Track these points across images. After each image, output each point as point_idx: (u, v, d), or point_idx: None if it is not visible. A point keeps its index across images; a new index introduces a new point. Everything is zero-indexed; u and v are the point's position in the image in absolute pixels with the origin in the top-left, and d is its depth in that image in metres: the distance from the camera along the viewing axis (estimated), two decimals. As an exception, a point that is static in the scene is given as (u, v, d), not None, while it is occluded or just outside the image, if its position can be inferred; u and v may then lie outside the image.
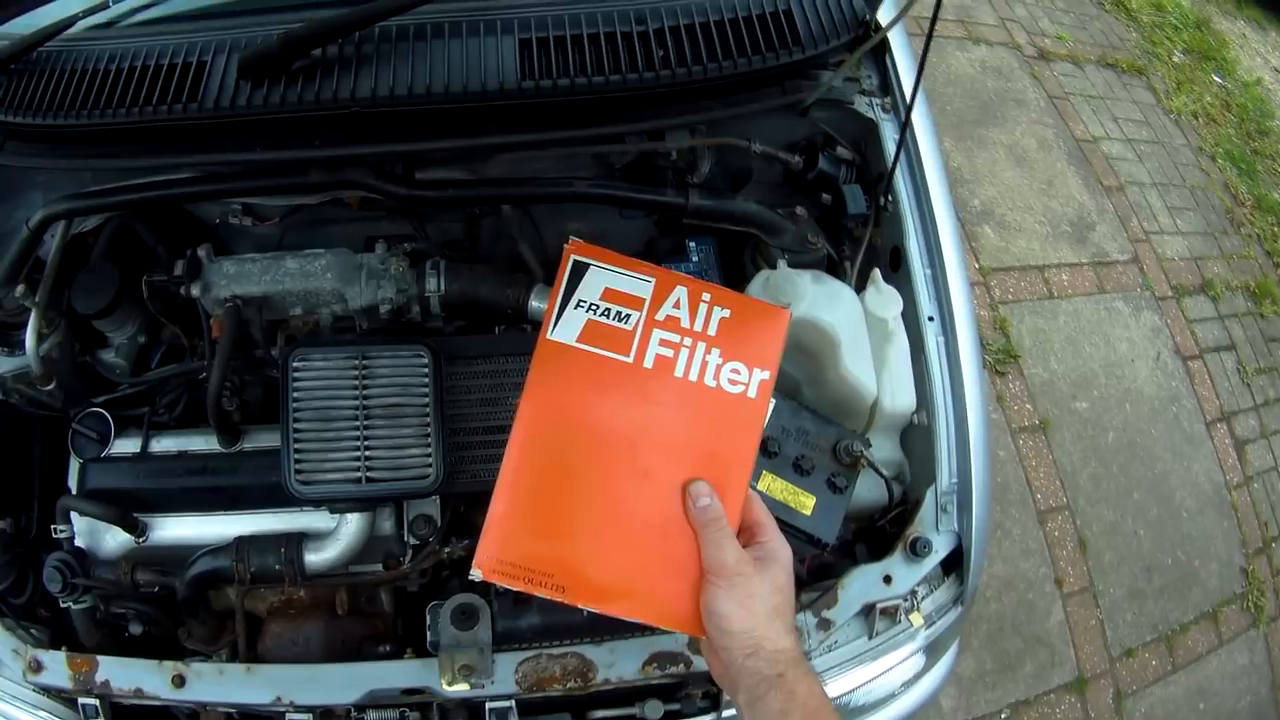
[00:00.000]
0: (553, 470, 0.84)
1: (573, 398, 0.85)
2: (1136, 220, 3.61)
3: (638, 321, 0.86)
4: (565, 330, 0.86)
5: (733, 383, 0.86)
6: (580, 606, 0.83)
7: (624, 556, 0.84)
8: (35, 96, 1.23)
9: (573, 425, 0.85)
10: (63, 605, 1.26)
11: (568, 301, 0.86)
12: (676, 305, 0.87)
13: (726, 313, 0.87)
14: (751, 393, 0.86)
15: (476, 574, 0.81)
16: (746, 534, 0.85)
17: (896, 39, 1.50)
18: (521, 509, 0.84)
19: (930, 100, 3.74)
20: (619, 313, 0.87)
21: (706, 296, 0.87)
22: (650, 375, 0.86)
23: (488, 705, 1.13)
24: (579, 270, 0.87)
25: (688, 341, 0.86)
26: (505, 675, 1.13)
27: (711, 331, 0.86)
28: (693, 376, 0.86)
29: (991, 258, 3.37)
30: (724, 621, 0.79)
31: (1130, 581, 2.83)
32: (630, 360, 0.86)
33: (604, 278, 0.87)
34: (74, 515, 1.26)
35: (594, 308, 0.86)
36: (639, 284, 0.88)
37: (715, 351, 0.86)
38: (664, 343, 0.86)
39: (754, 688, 0.76)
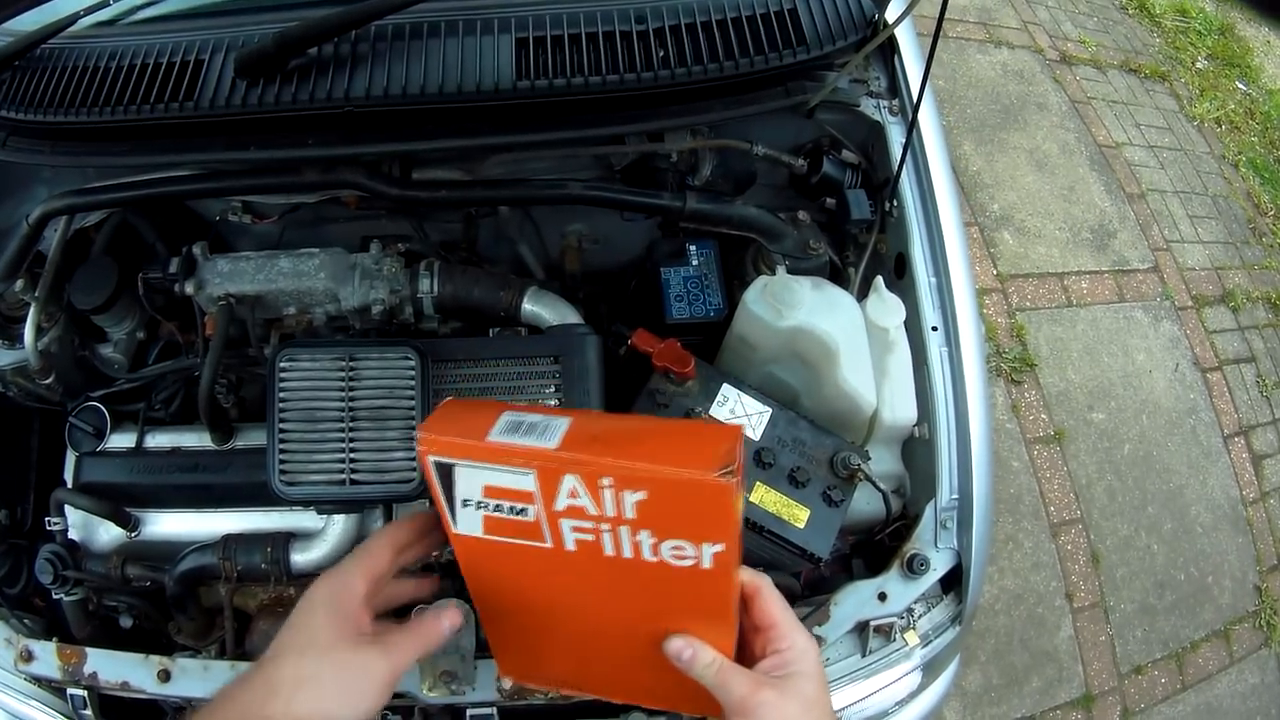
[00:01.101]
0: (533, 633, 0.83)
1: (511, 580, 0.78)
2: (1158, 228, 3.56)
3: (538, 513, 0.70)
4: (468, 525, 0.73)
5: (678, 558, 0.69)
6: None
7: (627, 669, 0.82)
8: (37, 93, 1.23)
9: (530, 606, 0.80)
10: (54, 597, 1.27)
11: (453, 502, 0.72)
12: (573, 495, 0.68)
13: (642, 494, 0.66)
14: (706, 564, 0.69)
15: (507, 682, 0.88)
16: (763, 640, 0.76)
17: (906, 40, 1.47)
18: (515, 651, 0.86)
19: (950, 103, 3.73)
20: (513, 507, 0.71)
21: (606, 482, 0.66)
22: (579, 558, 0.72)
23: (469, 712, 1.12)
24: (444, 471, 0.70)
25: (605, 526, 0.69)
26: (487, 683, 1.11)
27: (630, 515, 0.67)
28: (627, 554, 0.70)
29: (1010, 264, 3.33)
30: None
31: (1142, 597, 2.79)
32: (550, 546, 0.72)
33: (477, 476, 0.70)
34: (68, 508, 1.27)
35: (482, 505, 0.71)
36: (518, 478, 0.69)
37: (645, 532, 0.68)
38: (579, 529, 0.70)
39: None
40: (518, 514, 0.71)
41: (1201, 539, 2.91)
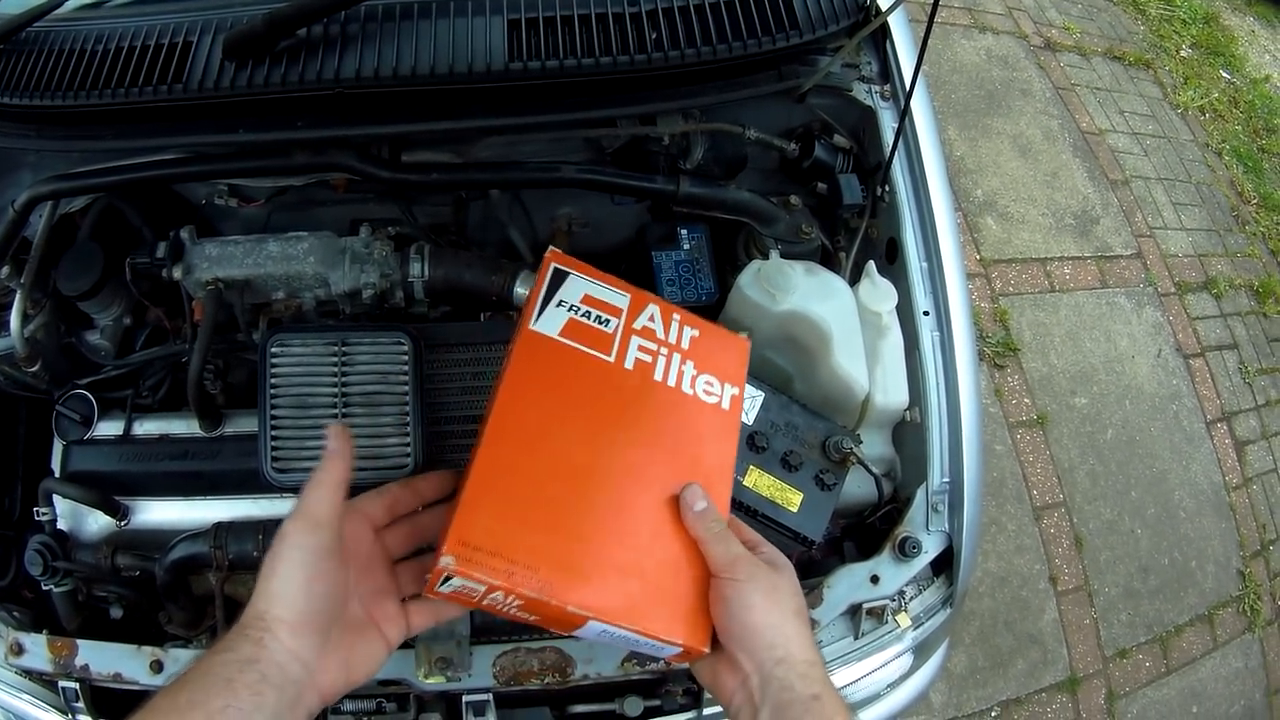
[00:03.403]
0: (533, 462, 0.78)
1: (555, 391, 0.83)
2: (1141, 215, 3.59)
3: (617, 326, 0.88)
4: (548, 323, 0.85)
5: (708, 393, 0.88)
6: (567, 609, 0.73)
7: (616, 555, 0.76)
8: (23, 77, 1.21)
9: (555, 418, 0.81)
10: (44, 588, 1.25)
11: (549, 300, 0.87)
12: (651, 319, 0.90)
13: (696, 332, 0.92)
14: (725, 405, 0.89)
15: (448, 561, 0.69)
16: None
17: (898, 25, 1.47)
18: (499, 495, 0.75)
19: (935, 88, 3.74)
20: (599, 316, 0.88)
21: (676, 317, 0.92)
22: (631, 376, 0.86)
23: (465, 698, 1.12)
24: (559, 276, 0.89)
25: (664, 351, 0.89)
26: (483, 669, 1.11)
27: (684, 345, 0.90)
28: (671, 382, 0.87)
29: (993, 249, 3.35)
30: (748, 615, 0.72)
31: (1126, 581, 2.82)
32: (612, 360, 0.86)
33: (583, 285, 0.89)
34: (56, 498, 1.25)
35: (575, 309, 0.87)
36: (616, 295, 0.90)
37: (690, 363, 0.89)
38: (643, 349, 0.88)
39: (785, 705, 0.68)
40: (600, 323, 0.88)
41: (1185, 524, 2.95)
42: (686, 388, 0.88)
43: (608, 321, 0.88)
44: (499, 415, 0.79)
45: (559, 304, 0.87)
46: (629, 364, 0.86)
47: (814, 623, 1.19)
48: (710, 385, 0.89)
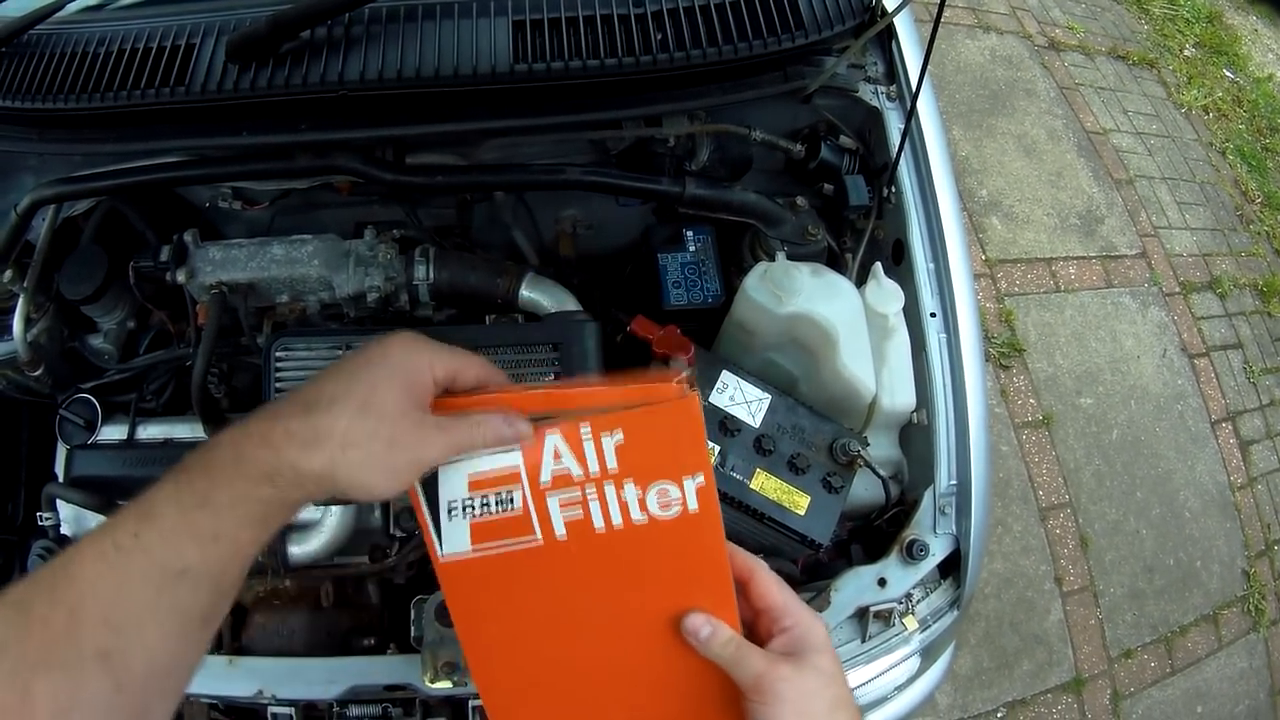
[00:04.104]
0: (528, 675, 0.76)
1: (504, 605, 0.74)
2: (1145, 214, 3.58)
3: (523, 495, 0.72)
4: (454, 541, 0.72)
5: (665, 507, 0.71)
6: None
7: (648, 711, 0.76)
8: (25, 80, 1.21)
9: (520, 629, 0.75)
10: (47, 593, 1.25)
11: (438, 514, 0.72)
12: (557, 457, 0.71)
13: (619, 435, 0.70)
14: (692, 506, 0.71)
15: None
16: (767, 621, 0.74)
17: (904, 25, 1.46)
18: (512, 700, 0.76)
19: (939, 89, 3.74)
20: (498, 498, 0.72)
21: (586, 430, 0.71)
22: (569, 546, 0.72)
23: (471, 703, 1.12)
24: (429, 486, 0.72)
25: (591, 491, 0.71)
26: (490, 673, 1.10)
27: (612, 466, 0.71)
28: (617, 522, 0.72)
29: (998, 249, 3.34)
30: None
31: (1131, 581, 2.81)
32: (540, 540, 0.72)
33: (460, 472, 0.72)
34: (59, 503, 1.24)
35: (468, 507, 0.72)
36: (504, 458, 0.72)
37: (629, 484, 0.71)
38: (565, 504, 0.72)
39: None
40: (505, 506, 0.71)
41: (1190, 524, 2.94)
42: (638, 515, 0.71)
43: (511, 498, 0.72)
44: (470, 653, 0.76)
45: (450, 512, 0.72)
46: (560, 533, 0.72)
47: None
48: (665, 494, 0.71)
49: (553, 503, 0.71)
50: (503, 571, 0.72)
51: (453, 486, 0.72)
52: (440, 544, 0.72)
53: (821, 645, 0.71)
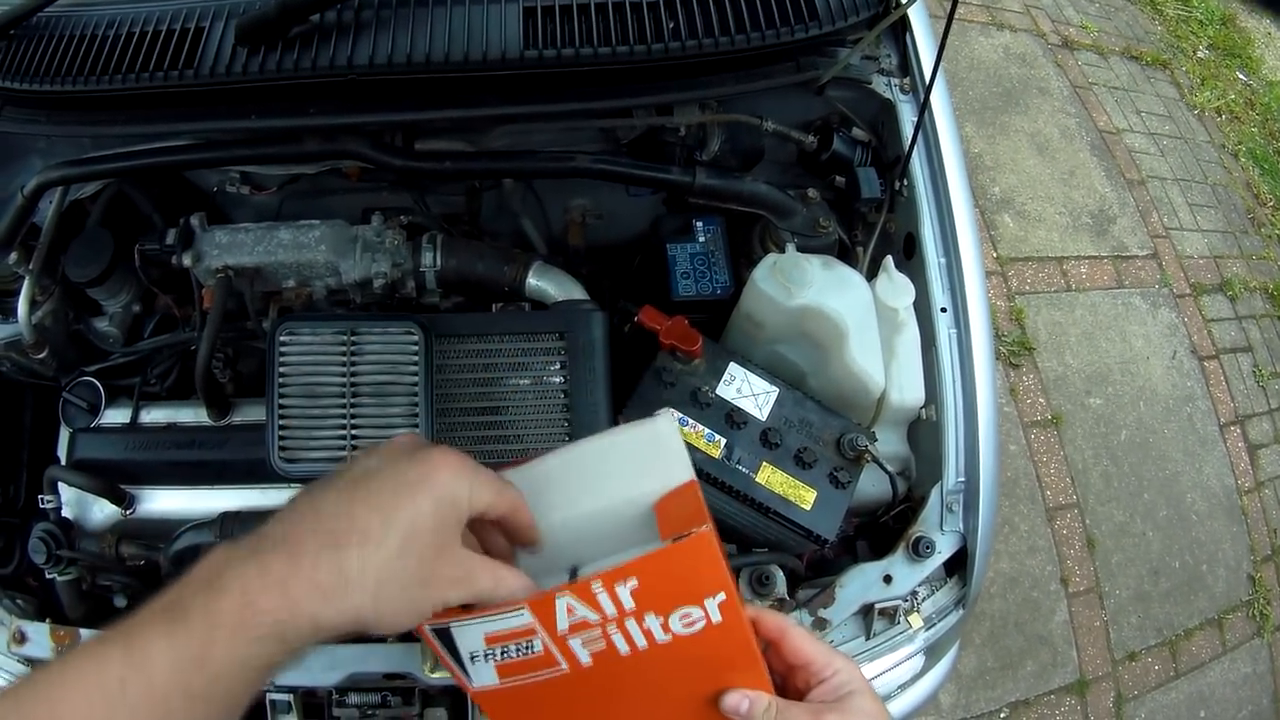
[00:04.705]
0: None
1: (542, 714, 0.75)
2: (1157, 215, 3.56)
3: (544, 641, 0.70)
4: (482, 678, 0.73)
5: (688, 625, 0.69)
6: None
7: None
8: (34, 62, 1.20)
9: None
10: (48, 577, 1.25)
11: (462, 661, 0.72)
12: (571, 612, 0.68)
13: (634, 581, 0.67)
14: (716, 618, 0.68)
15: None
16: (804, 675, 0.73)
17: (918, 18, 1.44)
18: None
19: (952, 85, 3.73)
20: (518, 647, 0.71)
21: (598, 587, 0.67)
22: (596, 671, 0.71)
23: (471, 693, 1.11)
24: (444, 636, 0.71)
25: (612, 627, 0.69)
26: (490, 663, 1.10)
27: (630, 605, 0.68)
28: (642, 645, 0.69)
29: (1010, 247, 3.32)
30: None
31: (1137, 584, 2.80)
32: (567, 669, 0.71)
33: (473, 630, 0.70)
34: (61, 486, 1.24)
35: (489, 655, 0.71)
36: (514, 619, 0.69)
37: (649, 614, 0.68)
38: (588, 641, 0.70)
39: None
40: (526, 650, 0.70)
41: (1196, 527, 2.92)
42: (662, 637, 0.69)
43: (531, 644, 0.70)
44: None
45: (472, 658, 0.71)
46: (585, 661, 0.70)
47: (825, 622, 1.17)
48: (687, 616, 0.68)
49: (575, 642, 0.70)
50: (536, 695, 0.72)
51: (469, 641, 0.71)
52: (469, 680, 0.73)
53: (861, 688, 0.71)
